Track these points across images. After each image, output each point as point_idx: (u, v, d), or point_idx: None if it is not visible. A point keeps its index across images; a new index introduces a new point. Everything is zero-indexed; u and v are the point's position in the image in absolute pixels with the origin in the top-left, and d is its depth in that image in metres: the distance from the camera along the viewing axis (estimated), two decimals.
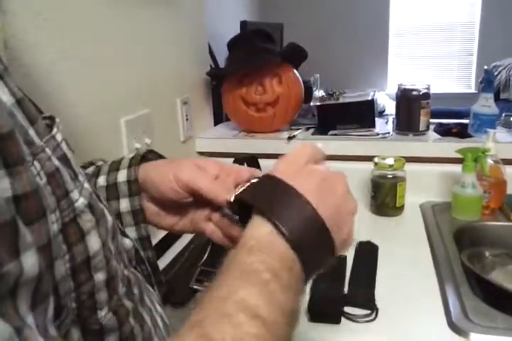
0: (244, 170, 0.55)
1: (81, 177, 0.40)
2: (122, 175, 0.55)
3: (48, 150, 0.36)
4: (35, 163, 0.33)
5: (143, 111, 1.00)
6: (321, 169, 0.47)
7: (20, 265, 0.28)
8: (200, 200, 0.53)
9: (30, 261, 0.29)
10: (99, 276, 0.38)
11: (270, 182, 0.46)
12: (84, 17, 0.80)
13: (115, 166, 0.57)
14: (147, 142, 1.00)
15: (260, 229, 0.41)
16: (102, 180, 0.56)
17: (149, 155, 0.60)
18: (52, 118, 0.40)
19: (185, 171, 0.53)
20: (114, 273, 0.40)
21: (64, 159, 0.39)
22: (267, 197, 0.44)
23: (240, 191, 0.47)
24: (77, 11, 0.78)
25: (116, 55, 0.90)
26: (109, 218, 0.42)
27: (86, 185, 0.40)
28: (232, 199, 0.48)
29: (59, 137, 0.39)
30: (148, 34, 1.04)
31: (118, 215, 0.55)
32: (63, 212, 0.35)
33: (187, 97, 1.24)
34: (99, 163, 0.60)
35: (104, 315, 0.39)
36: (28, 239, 0.29)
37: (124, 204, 0.55)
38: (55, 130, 0.39)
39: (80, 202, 0.37)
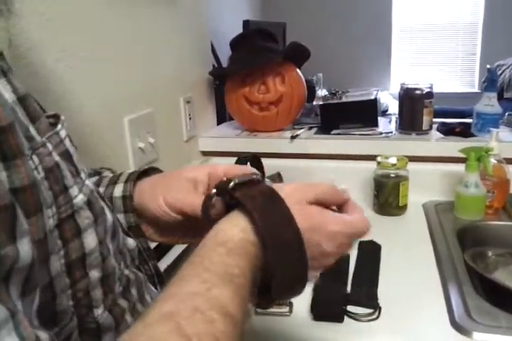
0: (235, 171, 0.54)
1: (83, 175, 0.40)
2: (118, 190, 0.54)
3: (49, 145, 0.36)
4: (34, 157, 0.33)
5: (146, 110, 1.00)
6: (322, 216, 0.46)
7: (17, 250, 0.28)
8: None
9: (25, 248, 0.29)
10: (94, 274, 0.38)
11: (264, 188, 0.45)
12: (87, 17, 0.80)
13: (114, 180, 0.56)
14: (150, 141, 1.00)
15: (234, 228, 0.41)
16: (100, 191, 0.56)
17: (151, 172, 0.59)
18: (57, 117, 0.41)
19: (173, 192, 0.51)
20: (110, 271, 0.40)
21: (66, 155, 0.39)
22: (254, 196, 0.43)
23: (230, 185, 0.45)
24: (80, 11, 0.78)
25: (120, 54, 0.91)
26: (109, 217, 0.42)
27: (88, 182, 0.40)
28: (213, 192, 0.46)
29: (63, 133, 0.39)
30: (151, 33, 1.04)
31: None
32: (60, 208, 0.35)
33: (190, 96, 1.25)
34: (105, 174, 0.60)
35: (100, 313, 0.39)
36: (24, 226, 0.29)
37: (120, 221, 0.54)
38: (59, 126, 0.39)
39: (79, 198, 0.37)
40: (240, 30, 1.98)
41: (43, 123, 0.37)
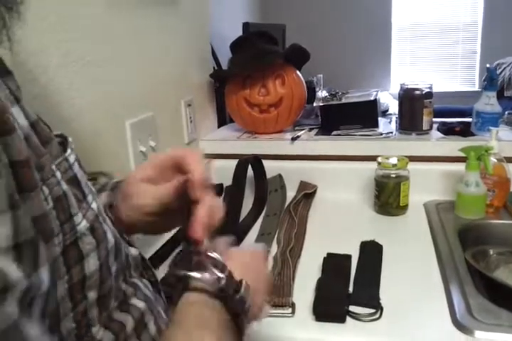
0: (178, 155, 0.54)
1: (90, 198, 0.41)
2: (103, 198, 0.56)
3: (58, 174, 0.37)
4: (44, 188, 0.34)
5: (147, 114, 1.01)
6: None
7: (40, 277, 0.29)
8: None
9: (45, 276, 0.30)
10: (92, 295, 0.39)
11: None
12: (88, 21, 0.81)
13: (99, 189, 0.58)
14: (152, 145, 1.01)
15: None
16: None
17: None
18: (63, 137, 0.42)
19: (139, 200, 0.53)
20: (106, 291, 0.41)
21: (74, 180, 0.40)
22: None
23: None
24: (81, 15, 0.79)
25: (120, 58, 0.91)
26: (111, 239, 0.42)
27: (94, 205, 0.41)
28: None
29: (72, 158, 0.40)
30: (151, 36, 1.05)
31: None
32: (65, 236, 0.36)
33: (191, 99, 1.25)
34: (103, 181, 0.61)
35: (97, 330, 0.40)
36: (44, 255, 0.31)
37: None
38: (68, 151, 0.40)
39: (82, 225, 0.38)
40: (239, 32, 1.99)
41: (54, 147, 0.38)
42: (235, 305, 0.46)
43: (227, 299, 0.46)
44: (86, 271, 0.38)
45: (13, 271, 0.27)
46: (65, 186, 0.37)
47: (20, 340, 0.27)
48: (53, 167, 0.37)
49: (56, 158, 0.38)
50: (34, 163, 0.33)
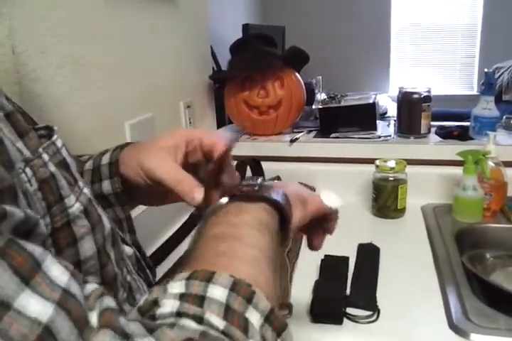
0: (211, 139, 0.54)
1: (81, 183, 0.41)
2: (106, 158, 0.56)
3: (45, 156, 0.37)
4: (27, 170, 0.34)
5: (147, 115, 1.01)
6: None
7: (34, 215, 0.30)
8: None
9: (39, 219, 0.32)
10: (90, 280, 0.38)
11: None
12: (87, 22, 0.81)
13: (104, 151, 0.58)
14: None
15: (262, 212, 0.45)
16: (88, 164, 0.57)
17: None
18: (49, 128, 0.41)
19: (151, 159, 0.51)
20: (110, 278, 0.41)
21: (63, 164, 0.39)
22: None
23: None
24: (81, 16, 0.79)
25: (120, 59, 0.91)
26: (107, 225, 0.42)
27: (86, 190, 0.41)
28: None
29: (59, 143, 0.40)
30: (151, 37, 1.05)
31: (104, 197, 0.55)
32: (55, 217, 0.36)
33: (190, 101, 1.26)
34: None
35: None
36: (23, 203, 0.31)
37: (106, 187, 0.55)
38: (55, 136, 0.40)
39: (76, 207, 0.38)
40: (239, 33, 1.99)
41: (32, 139, 0.37)
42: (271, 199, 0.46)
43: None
44: (81, 254, 0.38)
45: (6, 206, 0.27)
46: (53, 168, 0.37)
47: (19, 250, 0.26)
48: (40, 149, 0.36)
49: (36, 146, 0.37)
50: (10, 148, 0.33)
